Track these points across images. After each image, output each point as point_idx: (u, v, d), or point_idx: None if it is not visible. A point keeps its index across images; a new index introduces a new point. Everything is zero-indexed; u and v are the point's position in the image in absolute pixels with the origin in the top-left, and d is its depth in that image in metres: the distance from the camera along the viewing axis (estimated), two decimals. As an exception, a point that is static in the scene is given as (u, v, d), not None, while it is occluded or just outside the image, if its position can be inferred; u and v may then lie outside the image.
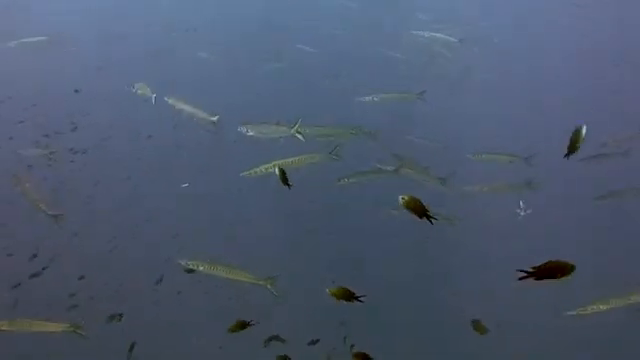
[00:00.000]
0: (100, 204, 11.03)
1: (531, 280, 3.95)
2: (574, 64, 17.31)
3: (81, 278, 9.09)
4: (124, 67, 12.22)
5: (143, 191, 11.58)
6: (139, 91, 8.46)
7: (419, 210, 4.40)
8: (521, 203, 8.18)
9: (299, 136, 6.84)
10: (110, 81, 11.30)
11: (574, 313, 5.77)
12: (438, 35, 12.52)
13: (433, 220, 4.47)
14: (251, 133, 6.94)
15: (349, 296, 5.19)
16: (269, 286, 6.20)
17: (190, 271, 6.30)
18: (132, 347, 8.16)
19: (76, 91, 11.32)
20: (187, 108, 7.78)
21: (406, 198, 4.37)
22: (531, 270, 3.92)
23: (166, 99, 7.78)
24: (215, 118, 7.71)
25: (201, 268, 6.22)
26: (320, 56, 15.28)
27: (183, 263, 6.25)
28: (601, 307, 5.76)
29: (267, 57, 15.17)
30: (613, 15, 18.24)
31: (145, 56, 13.42)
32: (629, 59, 16.76)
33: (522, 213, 7.96)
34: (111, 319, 8.07)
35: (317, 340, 8.73)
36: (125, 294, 9.56)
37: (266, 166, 6.45)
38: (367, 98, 8.56)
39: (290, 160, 6.53)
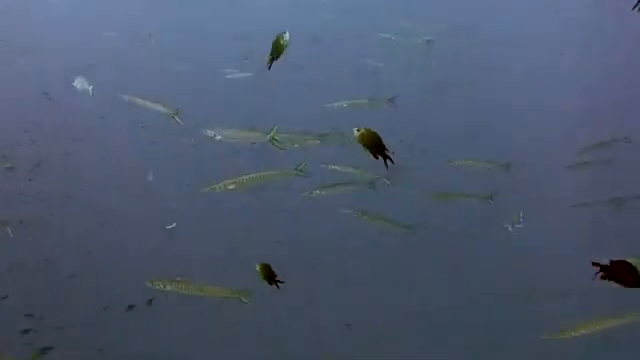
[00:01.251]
0: (64, 219, 10.45)
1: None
2: (559, 72, 17.20)
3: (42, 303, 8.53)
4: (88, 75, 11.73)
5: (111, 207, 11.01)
6: (78, 85, 8.06)
7: (375, 146, 3.64)
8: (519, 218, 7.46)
9: (276, 144, 6.35)
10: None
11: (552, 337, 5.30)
12: (405, 37, 12.32)
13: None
14: (219, 137, 6.42)
15: (270, 276, 4.68)
16: (243, 299, 5.73)
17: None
18: None
19: (49, 97, 10.75)
20: (146, 104, 7.27)
21: (362, 131, 3.64)
22: (605, 264, 3.23)
23: (123, 96, 7.27)
24: (176, 110, 7.17)
25: (169, 287, 5.71)
26: (298, 65, 15.00)
27: (149, 283, 5.73)
28: (582, 331, 5.23)
29: (240, 65, 14.83)
30: (600, 24, 18.17)
31: (109, 64, 12.95)
32: (618, 68, 16.67)
33: (510, 228, 7.33)
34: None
35: None
36: (93, 320, 8.96)
37: (229, 182, 5.98)
38: (336, 104, 8.21)
39: (254, 176, 6.06)
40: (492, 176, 8.32)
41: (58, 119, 11.50)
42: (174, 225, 10.14)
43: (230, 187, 5.99)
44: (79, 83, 8.21)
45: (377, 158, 3.68)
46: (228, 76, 14.22)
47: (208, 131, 6.39)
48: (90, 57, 12.88)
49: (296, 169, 6.31)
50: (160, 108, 7.15)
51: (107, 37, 14.52)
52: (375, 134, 3.66)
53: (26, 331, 8.13)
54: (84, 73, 8.59)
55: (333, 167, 7.82)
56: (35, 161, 10.14)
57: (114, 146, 11.55)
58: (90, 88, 8.19)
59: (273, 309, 8.78)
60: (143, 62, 14.00)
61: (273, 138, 6.34)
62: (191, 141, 10.73)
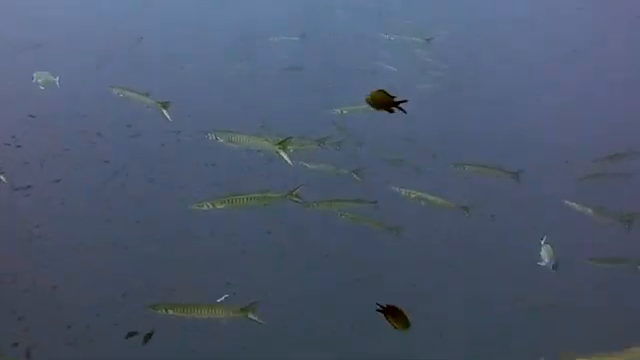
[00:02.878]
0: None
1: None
2: (571, 79, 16.89)
3: (21, 318, 8.20)
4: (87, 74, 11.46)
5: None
6: (39, 80, 7.80)
7: (385, 103, 3.80)
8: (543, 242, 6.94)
9: (284, 155, 5.94)
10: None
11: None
12: (405, 37, 12.12)
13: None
14: (221, 141, 6.14)
15: None
16: (250, 315, 5.50)
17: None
18: None
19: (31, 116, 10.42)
20: (135, 96, 7.04)
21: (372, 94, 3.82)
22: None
23: (111, 88, 7.03)
24: (164, 103, 6.91)
25: (171, 312, 5.53)
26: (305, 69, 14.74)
27: (150, 309, 5.55)
28: None
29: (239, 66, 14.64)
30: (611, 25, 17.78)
31: (108, 64, 12.72)
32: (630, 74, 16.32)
33: (542, 264, 6.80)
34: None
35: None
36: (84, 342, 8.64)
37: (218, 200, 5.77)
38: (336, 111, 7.93)
39: (245, 197, 5.82)
40: (501, 182, 8.03)
41: (56, 118, 11.26)
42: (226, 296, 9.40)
43: (219, 206, 5.78)
44: (40, 77, 7.87)
45: (391, 111, 3.79)
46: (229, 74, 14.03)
47: (209, 134, 6.14)
48: (89, 57, 12.73)
49: (290, 194, 6.04)
50: (148, 101, 6.96)
51: (105, 37, 14.34)
52: (383, 94, 3.80)
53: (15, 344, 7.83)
54: (83, 72, 8.39)
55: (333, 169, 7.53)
56: (33, 161, 9.90)
57: (115, 148, 11.30)
58: (57, 79, 7.93)
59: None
60: (140, 63, 13.79)
61: (281, 149, 5.95)
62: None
